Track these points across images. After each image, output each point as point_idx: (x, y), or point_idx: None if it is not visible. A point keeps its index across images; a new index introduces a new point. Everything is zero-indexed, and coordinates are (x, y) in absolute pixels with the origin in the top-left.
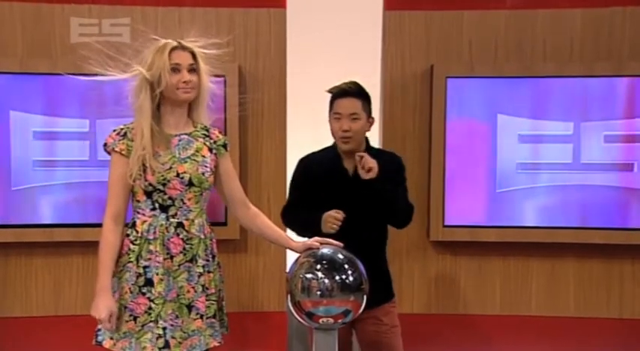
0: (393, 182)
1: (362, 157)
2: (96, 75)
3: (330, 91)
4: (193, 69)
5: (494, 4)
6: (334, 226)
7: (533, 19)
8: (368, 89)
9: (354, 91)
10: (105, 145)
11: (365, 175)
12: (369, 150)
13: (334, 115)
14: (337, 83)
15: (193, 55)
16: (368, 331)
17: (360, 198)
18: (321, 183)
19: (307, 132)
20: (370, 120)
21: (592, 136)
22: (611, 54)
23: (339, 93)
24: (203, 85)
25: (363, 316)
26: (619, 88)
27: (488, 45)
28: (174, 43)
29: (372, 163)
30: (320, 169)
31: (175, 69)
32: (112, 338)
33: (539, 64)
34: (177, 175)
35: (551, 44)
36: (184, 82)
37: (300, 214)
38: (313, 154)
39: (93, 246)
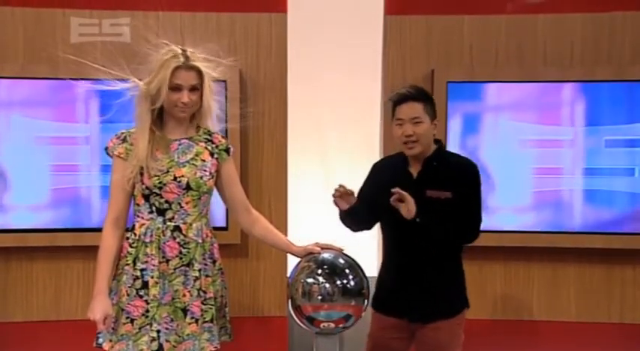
0: (461, 192)
1: (397, 193)
2: (97, 81)
3: (390, 99)
4: (196, 88)
5: (495, 9)
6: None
7: (533, 23)
8: (368, 94)
9: (413, 94)
10: (106, 148)
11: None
12: (442, 154)
13: (396, 121)
14: (399, 90)
15: (199, 73)
16: (425, 342)
17: (422, 203)
18: (385, 186)
19: (308, 136)
20: (435, 122)
21: (593, 141)
22: (612, 58)
23: (399, 99)
24: (204, 104)
25: (422, 329)
26: (620, 92)
27: (489, 49)
28: (179, 61)
29: (407, 205)
30: (386, 173)
31: (176, 88)
32: (110, 340)
33: (540, 69)
34: (175, 178)
35: (552, 49)
36: (183, 102)
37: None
38: (385, 158)
39: (94, 251)
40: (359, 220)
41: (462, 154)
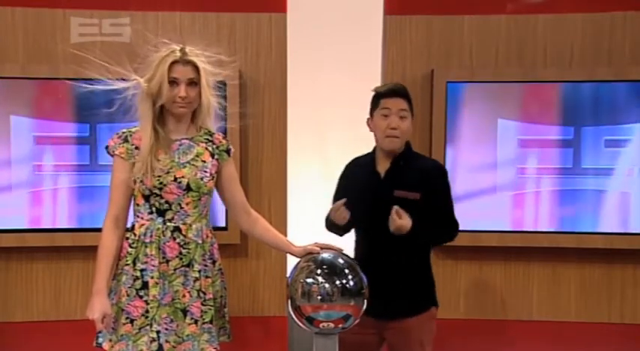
0: (432, 195)
1: (397, 211)
2: (96, 81)
3: (376, 90)
4: (194, 82)
5: (495, 9)
6: (343, 215)
7: (533, 23)
8: (369, 94)
9: (402, 91)
10: (107, 147)
11: (392, 228)
12: (410, 155)
13: (382, 111)
14: (382, 85)
15: (196, 68)
16: (395, 343)
17: (390, 202)
18: (354, 185)
19: (308, 136)
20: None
21: (593, 141)
22: (612, 59)
23: (388, 92)
24: (203, 99)
25: (392, 326)
26: (619, 92)
27: (489, 50)
28: (176, 56)
29: (403, 222)
30: (356, 172)
31: (173, 82)
32: (110, 340)
33: (540, 69)
34: (175, 179)
35: (552, 49)
36: (180, 97)
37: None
38: (357, 157)
39: (94, 251)
40: (344, 226)
41: (429, 157)
